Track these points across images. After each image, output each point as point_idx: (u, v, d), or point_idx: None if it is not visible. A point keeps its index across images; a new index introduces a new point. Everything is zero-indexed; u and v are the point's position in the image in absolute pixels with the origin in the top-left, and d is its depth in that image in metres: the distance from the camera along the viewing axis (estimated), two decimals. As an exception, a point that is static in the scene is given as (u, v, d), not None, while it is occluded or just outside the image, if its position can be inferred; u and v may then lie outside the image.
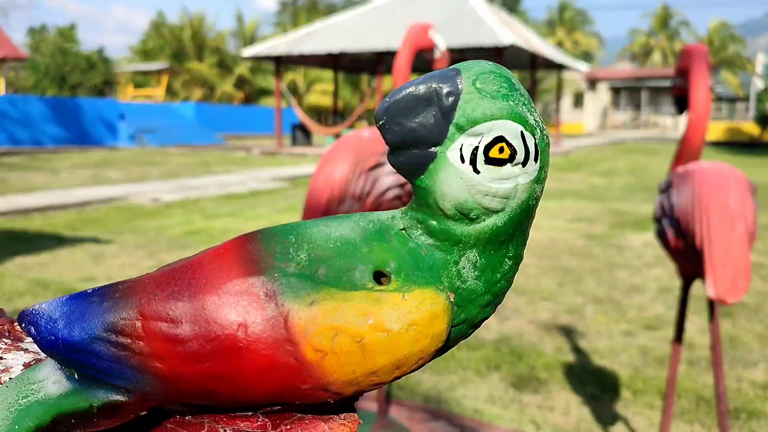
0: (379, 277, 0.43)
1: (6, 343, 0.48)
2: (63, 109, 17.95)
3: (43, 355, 0.47)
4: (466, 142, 0.42)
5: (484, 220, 0.44)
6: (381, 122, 0.43)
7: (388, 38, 14.38)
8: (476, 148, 0.42)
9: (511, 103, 0.42)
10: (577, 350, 2.74)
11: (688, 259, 1.47)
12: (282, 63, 16.73)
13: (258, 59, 16.95)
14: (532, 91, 16.11)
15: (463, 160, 0.42)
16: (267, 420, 0.44)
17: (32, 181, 9.33)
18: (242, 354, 0.40)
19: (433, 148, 0.43)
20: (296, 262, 0.42)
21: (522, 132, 0.42)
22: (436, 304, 0.42)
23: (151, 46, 39.54)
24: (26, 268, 4.08)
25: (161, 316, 0.40)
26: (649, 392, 2.31)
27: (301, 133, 17.26)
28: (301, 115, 15.73)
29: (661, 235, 1.51)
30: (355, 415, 0.44)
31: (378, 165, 1.66)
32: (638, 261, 4.42)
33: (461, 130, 0.42)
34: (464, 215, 0.43)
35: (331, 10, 47.00)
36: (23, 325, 0.40)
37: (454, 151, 0.42)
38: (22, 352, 0.47)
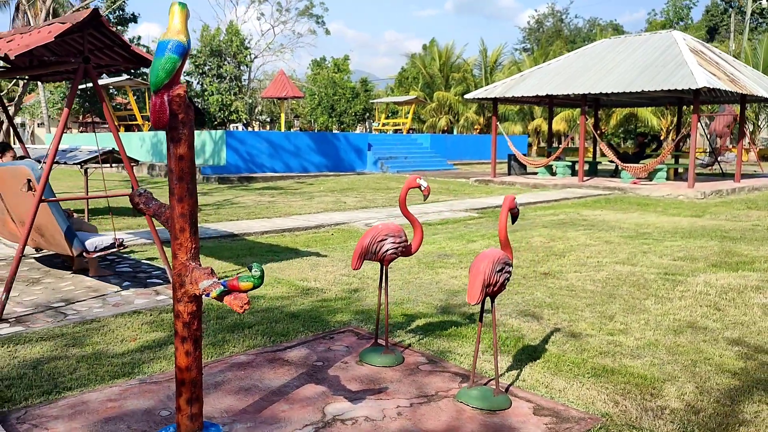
0: None
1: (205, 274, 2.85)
2: (324, 141, 22.18)
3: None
4: None
5: None
6: None
7: (593, 82, 15.74)
8: None
9: None
10: (545, 339, 4.58)
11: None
12: (499, 102, 18.91)
13: (479, 100, 19.33)
14: (741, 123, 16.14)
15: None
16: None
17: (292, 205, 12.76)
18: None
19: None
20: None
21: None
22: None
23: (407, 77, 44.23)
24: (273, 270, 6.88)
25: None
26: (552, 362, 4.13)
27: (516, 162, 19.23)
28: (513, 148, 17.73)
29: None
30: None
31: (383, 239, 3.88)
32: (680, 294, 5.82)
33: None
34: None
35: (576, 34, 47.61)
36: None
37: None
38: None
